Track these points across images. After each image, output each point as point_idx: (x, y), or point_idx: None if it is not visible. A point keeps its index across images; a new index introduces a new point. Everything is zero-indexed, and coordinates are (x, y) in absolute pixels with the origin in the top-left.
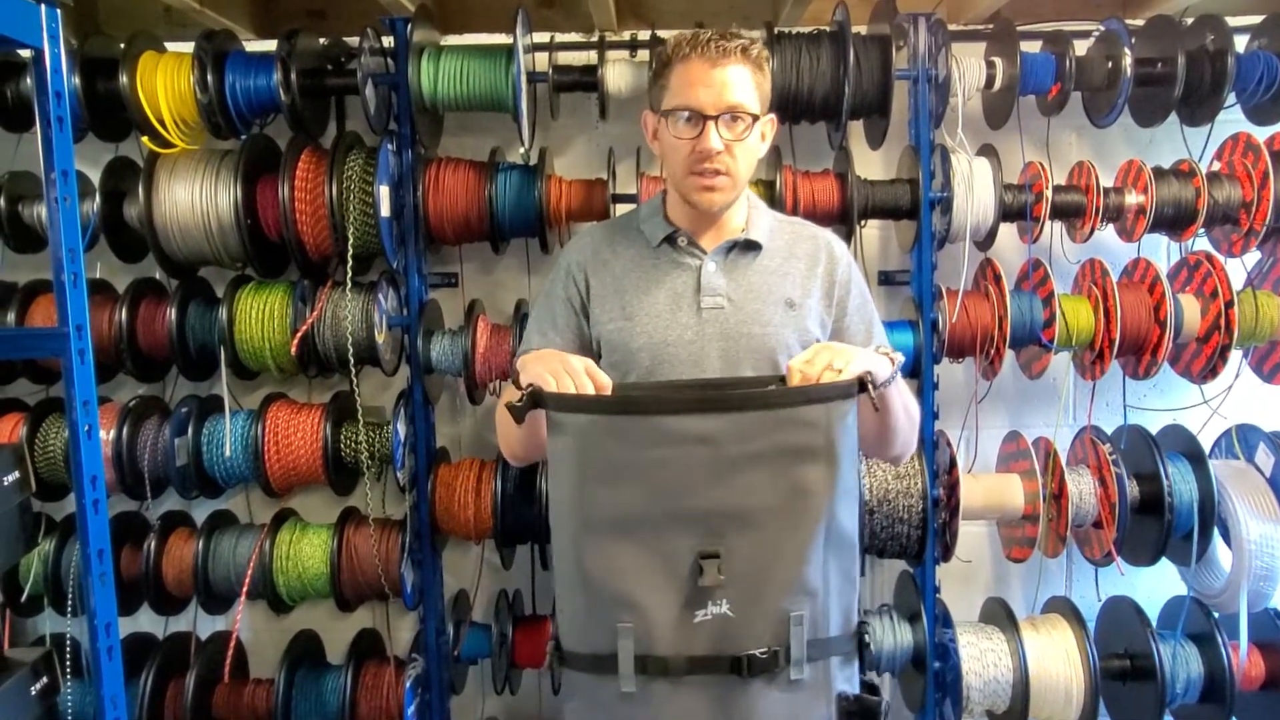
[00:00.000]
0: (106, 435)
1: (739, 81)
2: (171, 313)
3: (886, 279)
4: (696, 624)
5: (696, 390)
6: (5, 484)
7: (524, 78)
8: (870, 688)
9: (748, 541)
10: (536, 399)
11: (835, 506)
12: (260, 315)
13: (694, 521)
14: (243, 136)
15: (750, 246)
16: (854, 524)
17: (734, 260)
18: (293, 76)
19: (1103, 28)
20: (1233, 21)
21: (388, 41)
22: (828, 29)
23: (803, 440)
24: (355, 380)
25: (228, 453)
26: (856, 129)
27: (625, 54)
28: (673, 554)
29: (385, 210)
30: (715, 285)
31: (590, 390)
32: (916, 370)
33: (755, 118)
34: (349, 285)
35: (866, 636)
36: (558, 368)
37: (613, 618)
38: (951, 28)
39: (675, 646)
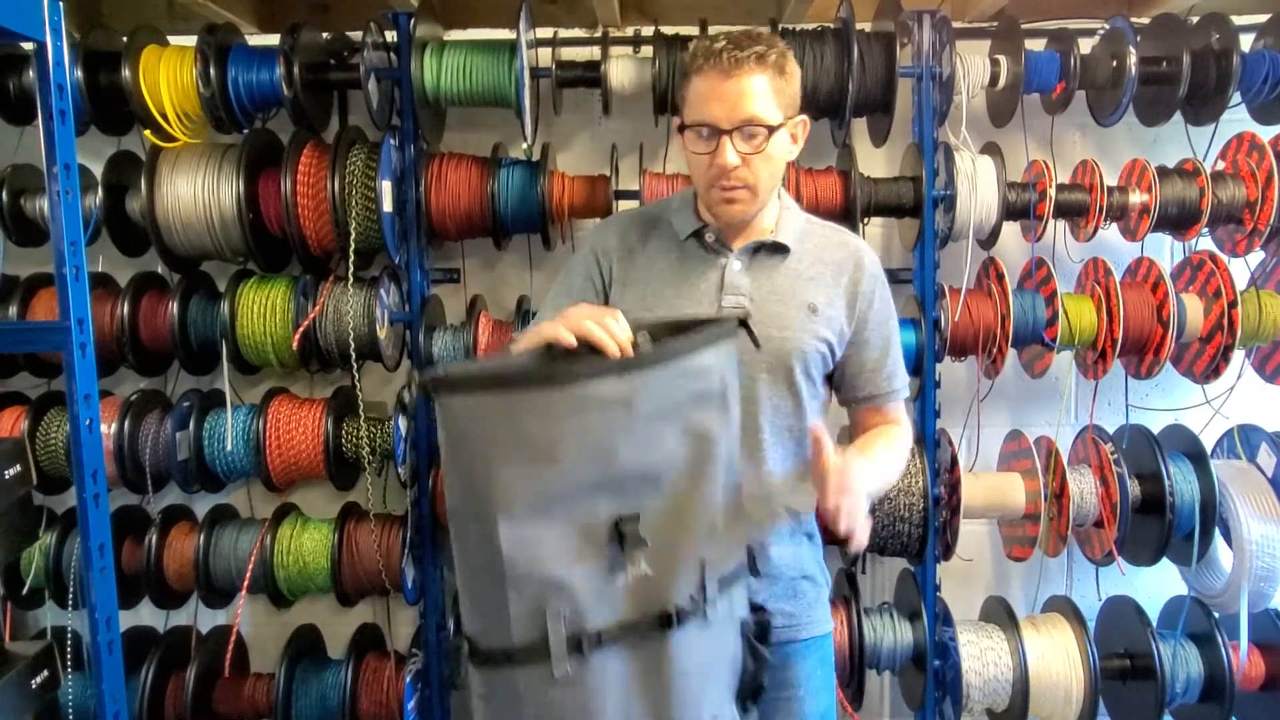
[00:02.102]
0: (108, 429)
1: (755, 92)
2: (173, 307)
3: (889, 277)
4: (620, 589)
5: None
6: (7, 477)
7: (527, 73)
8: (755, 607)
9: (659, 498)
10: (440, 383)
11: (730, 445)
12: (262, 310)
13: (610, 488)
14: (245, 131)
15: (778, 249)
16: (737, 456)
17: (760, 261)
18: (295, 71)
19: (1108, 26)
20: (1238, 20)
21: (390, 36)
22: (832, 26)
23: (700, 387)
24: (357, 375)
25: (229, 447)
26: (860, 126)
27: (628, 50)
28: (592, 525)
29: (387, 205)
30: (738, 285)
31: (625, 341)
32: (919, 368)
33: (772, 129)
34: (351, 280)
35: (755, 553)
36: (580, 322)
37: (540, 603)
38: (956, 25)
39: (605, 617)
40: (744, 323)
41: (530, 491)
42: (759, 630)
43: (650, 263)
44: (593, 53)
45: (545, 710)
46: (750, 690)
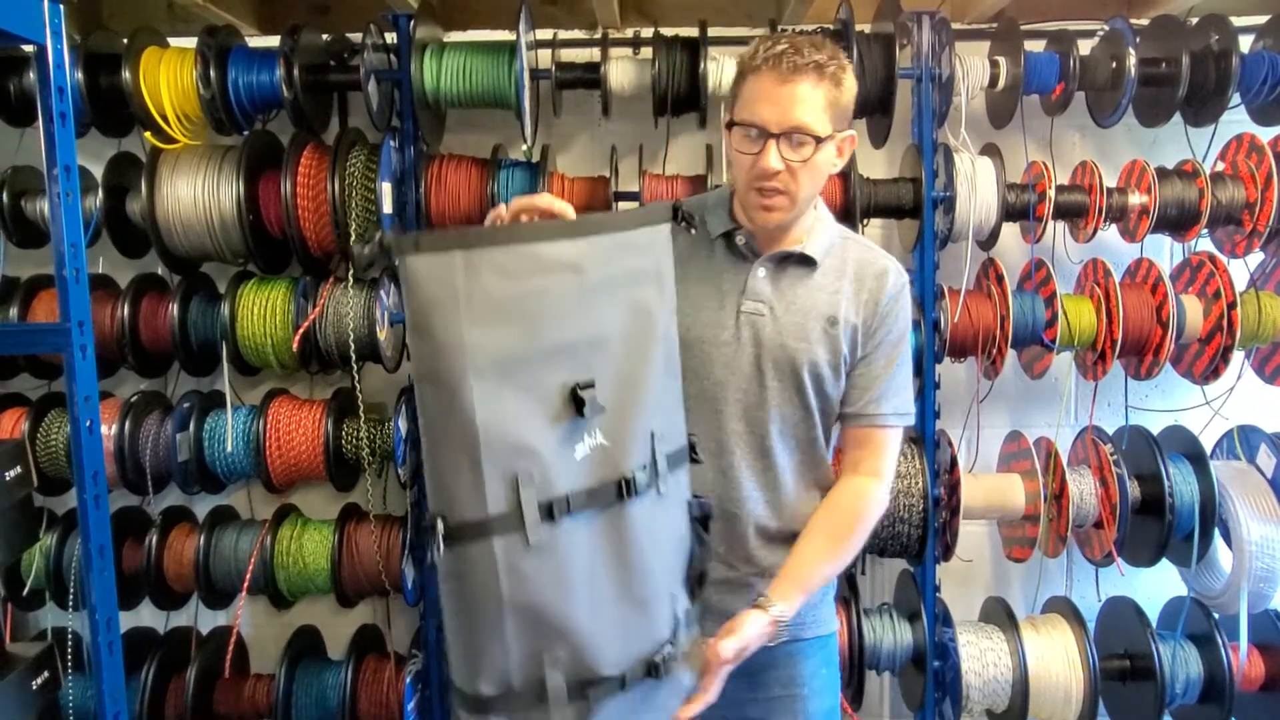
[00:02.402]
0: (108, 430)
1: (807, 100)
2: (173, 308)
3: None
4: (578, 460)
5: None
6: (7, 479)
7: (526, 74)
8: (697, 494)
9: (608, 368)
10: (403, 243)
11: (669, 326)
12: (262, 311)
13: (565, 354)
14: (245, 132)
15: (804, 261)
16: (677, 340)
17: (786, 271)
18: (295, 72)
19: (1107, 27)
20: (1238, 21)
21: (390, 38)
22: (831, 27)
23: (637, 264)
24: (357, 376)
25: (229, 448)
26: (859, 127)
27: (628, 51)
28: (549, 392)
29: (387, 207)
30: (759, 291)
31: (567, 208)
32: (919, 369)
33: (820, 140)
34: (351, 282)
35: (693, 438)
36: (518, 201)
37: (512, 469)
38: (955, 26)
39: (569, 484)
40: (677, 208)
41: (496, 352)
42: (702, 511)
43: (679, 257)
44: (592, 54)
45: (520, 581)
46: (697, 577)
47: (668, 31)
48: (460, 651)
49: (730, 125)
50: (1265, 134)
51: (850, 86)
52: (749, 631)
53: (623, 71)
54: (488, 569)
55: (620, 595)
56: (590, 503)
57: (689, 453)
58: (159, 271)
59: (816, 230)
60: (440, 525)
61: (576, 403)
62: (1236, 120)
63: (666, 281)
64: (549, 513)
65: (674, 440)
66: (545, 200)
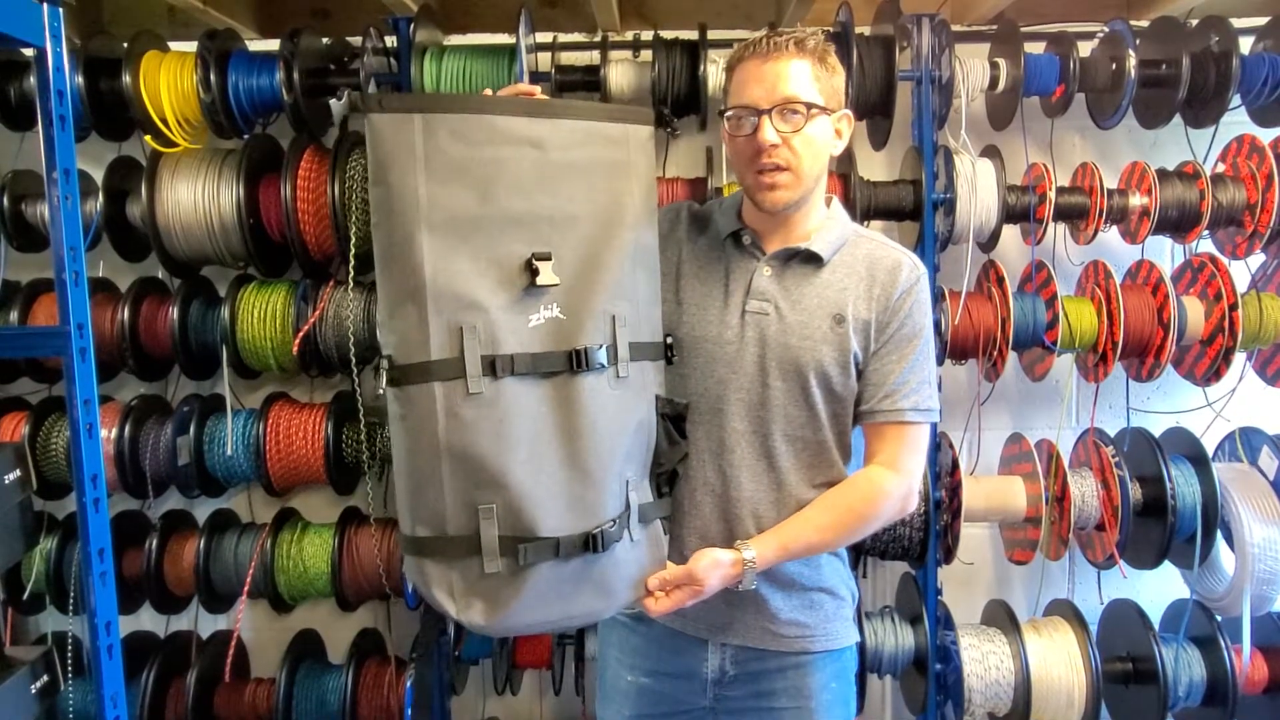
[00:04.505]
0: (108, 434)
1: (793, 74)
2: (174, 312)
3: None
4: (531, 328)
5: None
6: (7, 482)
7: (527, 77)
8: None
9: (571, 247)
10: (369, 101)
11: (642, 223)
12: (262, 314)
13: (524, 226)
14: (245, 136)
15: (810, 258)
16: (655, 244)
17: (791, 269)
18: (295, 76)
19: (1107, 29)
20: (1238, 23)
21: (390, 41)
22: (831, 29)
23: (612, 156)
24: (357, 380)
25: (229, 452)
26: (859, 129)
27: (628, 54)
28: (505, 258)
29: None
30: (764, 290)
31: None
32: None
33: (812, 107)
34: (351, 285)
35: (669, 340)
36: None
37: (456, 318)
38: (955, 28)
39: (518, 346)
40: (661, 113)
41: (451, 210)
42: (673, 410)
43: (691, 256)
44: (592, 57)
45: (458, 426)
46: (667, 475)
47: (667, 34)
48: (403, 494)
49: (723, 114)
50: (1266, 135)
51: (837, 67)
52: (709, 557)
53: (623, 74)
54: (428, 409)
55: (564, 461)
56: (537, 365)
57: (664, 351)
58: (159, 275)
59: (826, 228)
60: (386, 364)
61: (531, 271)
62: (1237, 121)
63: (642, 179)
64: (491, 367)
65: (644, 333)
66: (533, 89)
